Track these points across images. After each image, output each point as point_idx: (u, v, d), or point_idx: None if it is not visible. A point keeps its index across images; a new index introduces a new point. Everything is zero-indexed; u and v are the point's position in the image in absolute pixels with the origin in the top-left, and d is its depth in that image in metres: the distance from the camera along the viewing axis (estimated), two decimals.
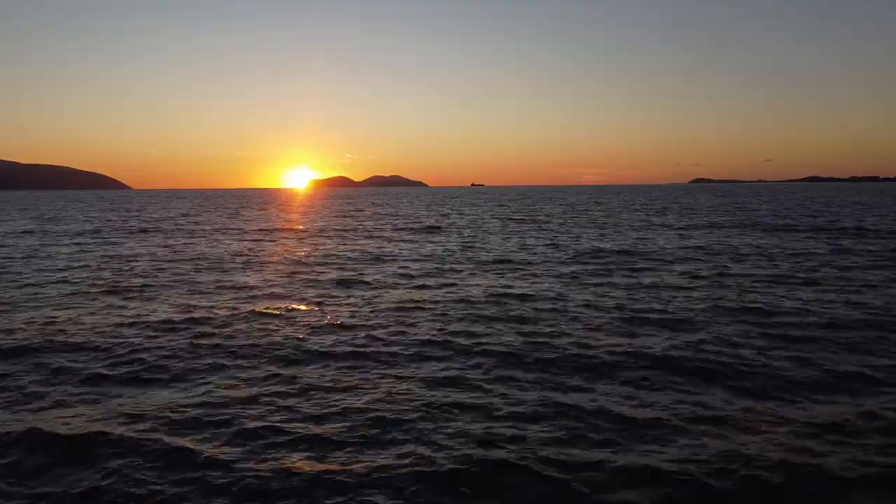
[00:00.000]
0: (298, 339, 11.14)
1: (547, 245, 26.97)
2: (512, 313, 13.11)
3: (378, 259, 22.41)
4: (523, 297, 14.80)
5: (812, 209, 55.57)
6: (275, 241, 30.39)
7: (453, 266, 20.51)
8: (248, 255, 23.75)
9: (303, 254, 24.17)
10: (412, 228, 38.29)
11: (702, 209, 59.19)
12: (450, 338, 11.15)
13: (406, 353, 10.26)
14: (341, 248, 26.49)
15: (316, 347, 10.60)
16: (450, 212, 61.85)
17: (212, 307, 14.04)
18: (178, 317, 13.00)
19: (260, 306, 14.10)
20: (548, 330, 11.67)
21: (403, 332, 11.58)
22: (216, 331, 11.77)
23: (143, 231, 37.58)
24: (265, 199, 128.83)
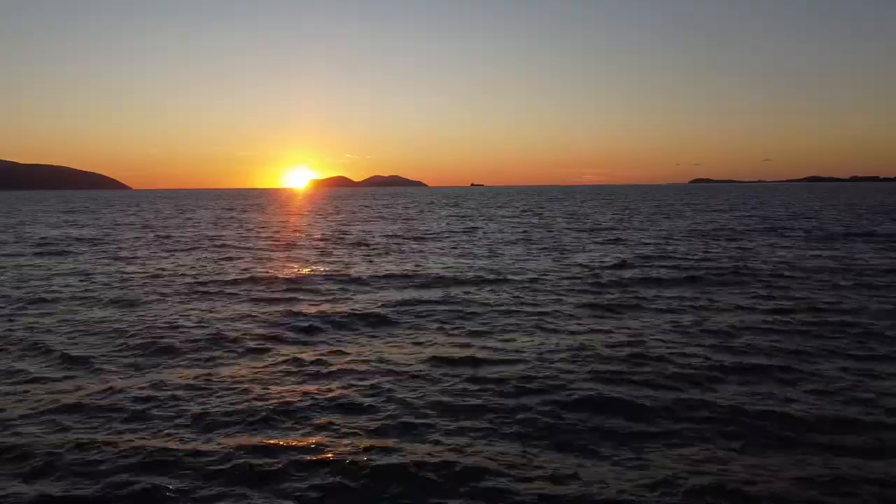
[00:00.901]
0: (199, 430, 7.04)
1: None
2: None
3: (358, 283, 18.29)
4: None
5: None
6: (240, 254, 26.15)
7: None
8: (194, 276, 19.55)
9: (262, 275, 19.74)
10: (410, 237, 34.10)
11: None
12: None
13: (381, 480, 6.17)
14: (314, 266, 22.31)
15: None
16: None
17: (94, 365, 9.94)
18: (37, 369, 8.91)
19: (169, 364, 10.01)
20: None
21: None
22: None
23: (95, 241, 33.38)
24: (253, 200, 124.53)
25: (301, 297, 15.46)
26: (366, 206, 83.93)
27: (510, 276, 18.52)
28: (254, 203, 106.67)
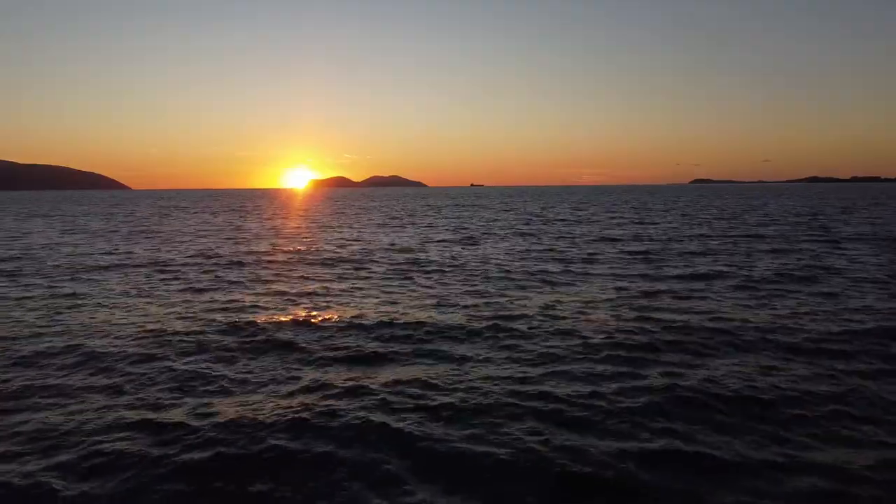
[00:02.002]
0: None
1: None
2: None
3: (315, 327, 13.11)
4: None
5: None
6: (182, 275, 20.93)
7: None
8: (91, 313, 14.30)
9: (200, 313, 14.36)
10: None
11: None
12: None
13: None
14: (276, 297, 17.12)
15: None
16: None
17: None
18: None
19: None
20: None
21: None
22: None
23: (29, 254, 28.20)
24: (251, 201, 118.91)
25: (202, 367, 10.23)
26: (362, 209, 78.70)
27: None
28: (250, 204, 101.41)
